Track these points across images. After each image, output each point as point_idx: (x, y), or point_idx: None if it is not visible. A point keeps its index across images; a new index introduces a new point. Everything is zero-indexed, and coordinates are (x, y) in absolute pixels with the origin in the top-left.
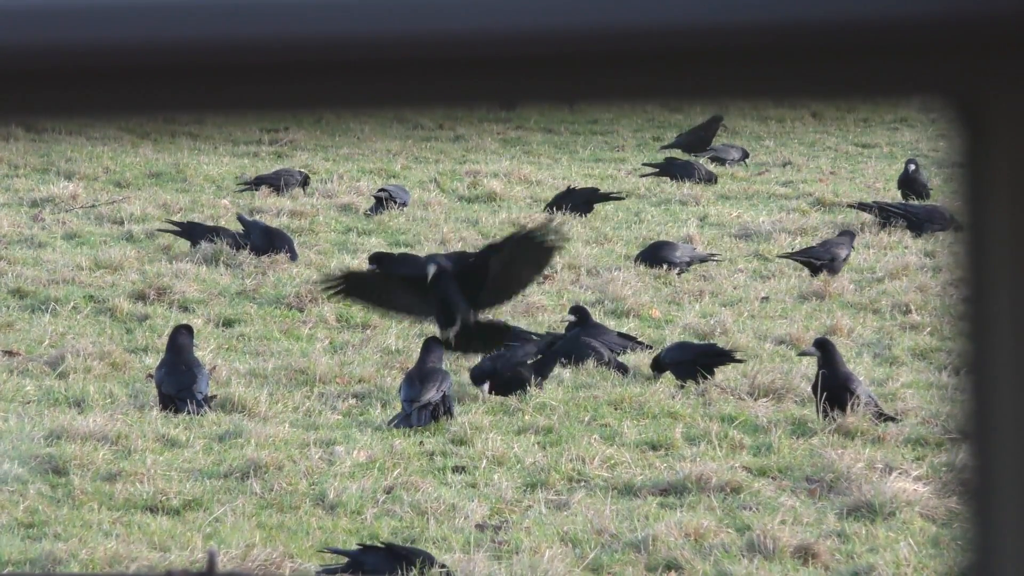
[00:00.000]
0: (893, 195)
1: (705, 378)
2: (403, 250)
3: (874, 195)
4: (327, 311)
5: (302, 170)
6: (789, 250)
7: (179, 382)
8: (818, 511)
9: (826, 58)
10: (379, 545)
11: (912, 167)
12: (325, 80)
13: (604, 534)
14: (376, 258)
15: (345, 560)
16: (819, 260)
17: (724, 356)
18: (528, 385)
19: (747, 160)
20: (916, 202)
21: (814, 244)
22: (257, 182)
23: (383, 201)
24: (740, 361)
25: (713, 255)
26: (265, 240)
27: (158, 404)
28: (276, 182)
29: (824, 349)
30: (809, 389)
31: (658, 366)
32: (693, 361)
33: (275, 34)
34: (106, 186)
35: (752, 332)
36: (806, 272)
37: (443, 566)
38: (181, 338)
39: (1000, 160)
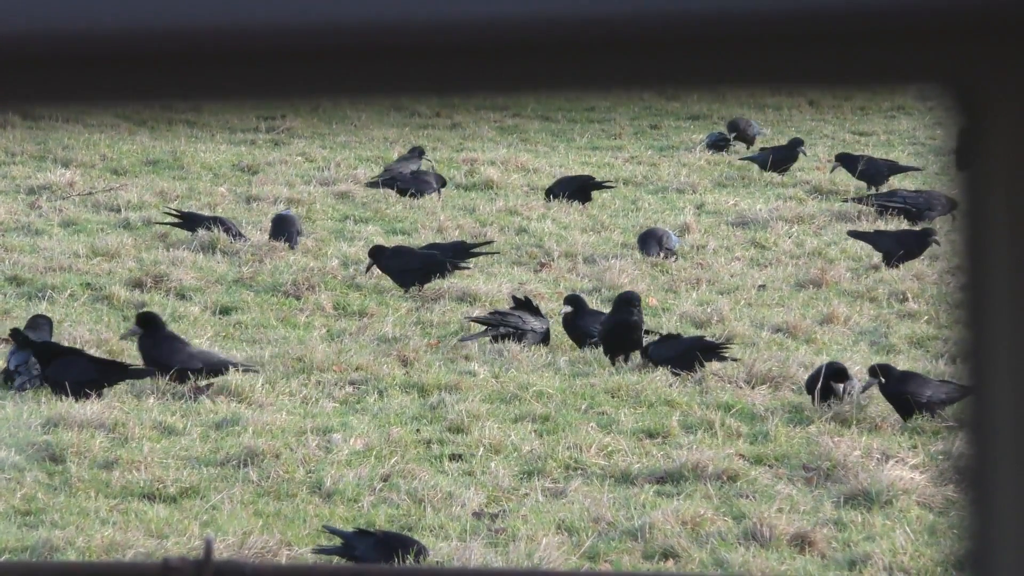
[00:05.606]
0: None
1: (702, 365)
2: (400, 239)
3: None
4: (324, 299)
5: (438, 174)
6: (787, 237)
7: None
8: (815, 499)
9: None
10: (373, 532)
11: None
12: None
13: (601, 522)
14: (373, 252)
15: (339, 542)
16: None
17: (714, 351)
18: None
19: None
20: (914, 192)
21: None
22: (390, 182)
23: (392, 180)
24: (732, 359)
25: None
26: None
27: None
28: (408, 184)
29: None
30: (806, 380)
31: (648, 358)
32: (683, 355)
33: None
34: (103, 174)
35: (749, 320)
36: (802, 260)
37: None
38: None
39: (997, 148)
